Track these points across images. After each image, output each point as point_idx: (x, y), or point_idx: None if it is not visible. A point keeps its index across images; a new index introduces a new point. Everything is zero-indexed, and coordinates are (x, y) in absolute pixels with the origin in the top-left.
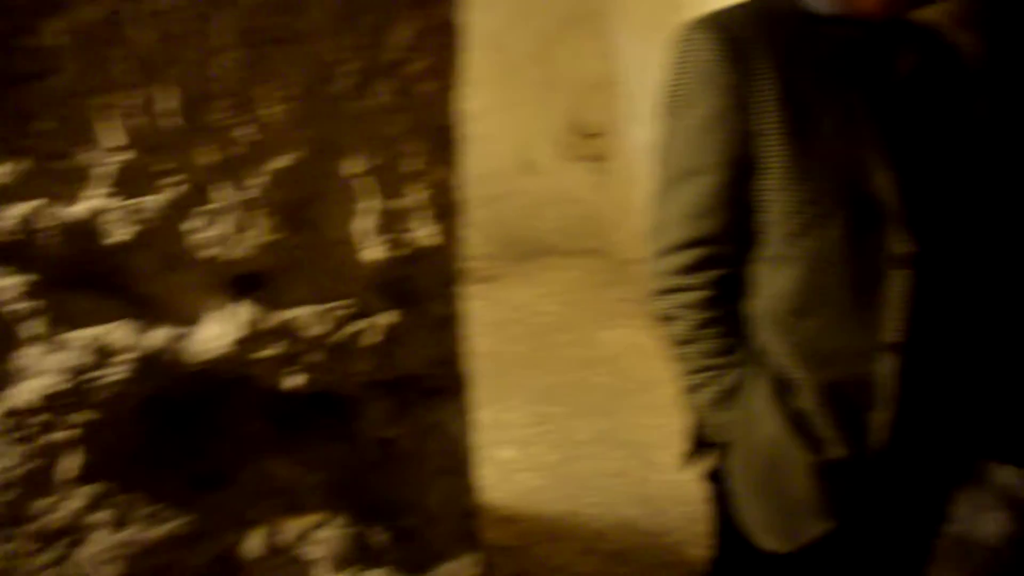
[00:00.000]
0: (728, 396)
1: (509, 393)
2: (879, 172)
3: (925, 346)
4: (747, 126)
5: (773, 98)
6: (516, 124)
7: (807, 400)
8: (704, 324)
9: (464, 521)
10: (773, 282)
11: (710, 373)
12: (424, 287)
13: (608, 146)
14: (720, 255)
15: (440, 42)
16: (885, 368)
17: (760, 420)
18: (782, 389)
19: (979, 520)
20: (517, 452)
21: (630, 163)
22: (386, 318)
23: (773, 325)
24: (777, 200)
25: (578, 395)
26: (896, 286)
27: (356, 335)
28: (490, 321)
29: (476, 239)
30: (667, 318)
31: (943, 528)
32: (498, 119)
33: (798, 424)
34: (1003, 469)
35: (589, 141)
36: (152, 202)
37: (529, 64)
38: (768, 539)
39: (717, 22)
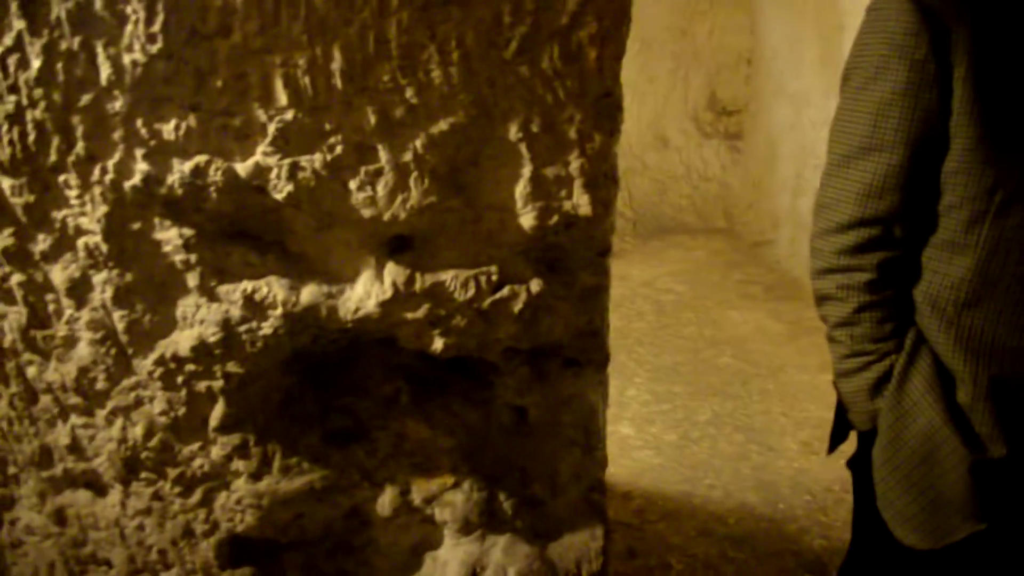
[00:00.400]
0: (882, 383)
1: (631, 370)
2: None
3: None
4: (935, 104)
5: (967, 75)
6: (650, 98)
7: (968, 394)
8: (865, 307)
9: (591, 494)
10: (944, 269)
11: (866, 358)
12: (574, 256)
13: (746, 124)
14: (891, 238)
15: (609, 8)
16: None
17: (915, 411)
18: (942, 381)
19: None
20: (636, 429)
21: (769, 142)
22: (534, 286)
23: (939, 314)
24: (959, 184)
25: (700, 376)
26: None
27: (502, 301)
28: (615, 297)
29: None
30: (826, 298)
31: None
32: (632, 92)
33: (956, 418)
34: None
35: (726, 118)
36: (311, 161)
37: (667, 37)
38: (911, 535)
39: None
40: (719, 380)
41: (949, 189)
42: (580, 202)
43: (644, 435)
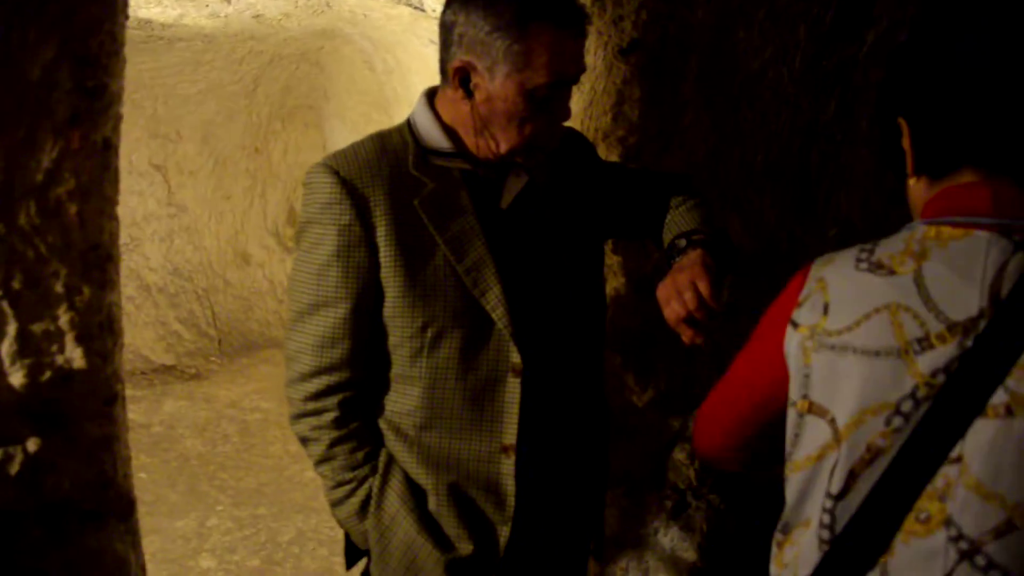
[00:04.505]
0: (366, 506)
1: (213, 498)
2: (490, 292)
3: (539, 447)
4: (366, 260)
5: (387, 232)
6: (228, 215)
7: (436, 503)
8: (336, 442)
9: None
10: (399, 399)
11: (348, 486)
12: (76, 409)
13: None
14: (347, 380)
15: (88, 165)
16: (503, 468)
17: (394, 525)
18: (414, 494)
19: None
20: (218, 560)
21: None
22: (31, 445)
23: (401, 437)
24: (397, 326)
25: (284, 494)
26: (508, 394)
27: None
28: (197, 422)
29: (187, 335)
30: (305, 439)
31: None
32: (209, 211)
33: (428, 525)
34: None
35: None
36: None
37: (241, 155)
38: None
39: (334, 164)
40: (303, 496)
41: (390, 331)
42: (73, 356)
43: (226, 565)
